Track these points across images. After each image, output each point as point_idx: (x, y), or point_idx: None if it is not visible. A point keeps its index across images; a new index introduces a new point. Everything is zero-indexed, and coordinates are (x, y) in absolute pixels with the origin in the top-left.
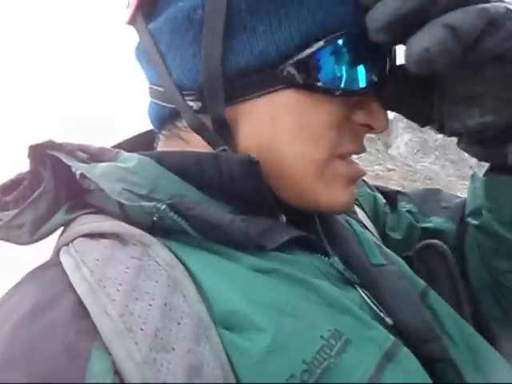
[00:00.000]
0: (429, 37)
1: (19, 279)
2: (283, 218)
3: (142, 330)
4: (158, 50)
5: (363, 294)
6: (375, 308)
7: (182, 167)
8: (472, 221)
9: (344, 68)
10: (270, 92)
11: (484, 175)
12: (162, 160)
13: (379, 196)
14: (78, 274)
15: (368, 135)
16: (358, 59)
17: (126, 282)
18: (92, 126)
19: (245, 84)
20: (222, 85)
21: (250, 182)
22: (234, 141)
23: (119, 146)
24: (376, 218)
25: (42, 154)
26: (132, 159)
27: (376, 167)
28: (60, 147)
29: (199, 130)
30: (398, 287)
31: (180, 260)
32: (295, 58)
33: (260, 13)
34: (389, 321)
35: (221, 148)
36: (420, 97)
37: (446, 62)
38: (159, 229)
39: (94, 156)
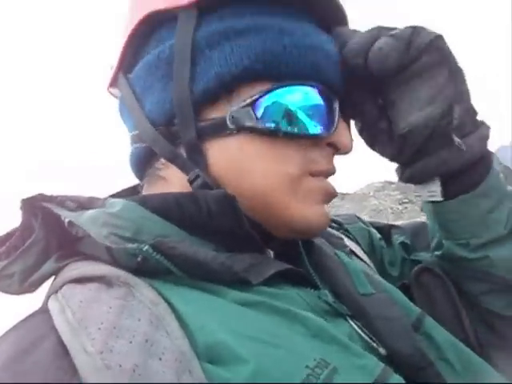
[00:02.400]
0: (380, 41)
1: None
2: (270, 254)
3: (120, 366)
4: (135, 94)
5: (354, 325)
6: (367, 338)
7: (164, 208)
8: (438, 253)
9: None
10: (225, 135)
11: (426, 206)
12: (145, 203)
13: (374, 231)
14: (61, 317)
15: None
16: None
17: (107, 321)
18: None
19: (207, 122)
20: (191, 108)
21: (229, 216)
22: (206, 165)
23: (111, 196)
24: (373, 252)
25: (33, 206)
26: (117, 204)
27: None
28: (50, 198)
29: (172, 158)
30: (388, 315)
31: (164, 298)
32: (243, 103)
33: (216, 47)
34: (382, 351)
35: (195, 172)
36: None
37: (394, 57)
38: (145, 269)
39: (83, 204)
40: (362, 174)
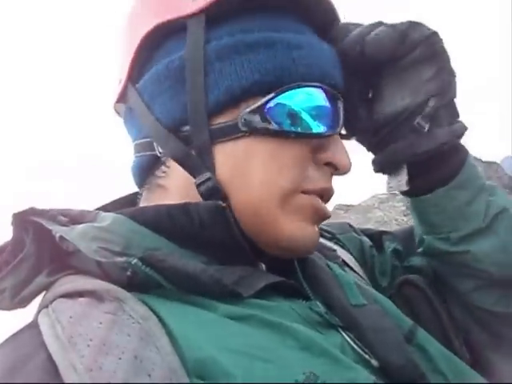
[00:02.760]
0: (378, 29)
1: None
2: (262, 266)
3: None
4: (144, 102)
5: (346, 337)
6: (359, 350)
7: (155, 221)
8: (420, 250)
9: (302, 114)
10: (234, 139)
11: (409, 205)
12: (135, 216)
13: (365, 239)
14: (51, 332)
15: None
16: (313, 109)
17: (96, 337)
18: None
19: (218, 124)
20: (205, 114)
21: (220, 227)
22: (214, 169)
23: (104, 207)
24: (364, 261)
25: (24, 220)
26: (107, 218)
27: None
28: (41, 213)
29: (183, 158)
30: (380, 326)
31: (154, 312)
32: (254, 106)
33: (227, 61)
34: (374, 362)
35: (205, 175)
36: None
37: (388, 44)
38: (136, 284)
39: (74, 219)
40: (367, 185)
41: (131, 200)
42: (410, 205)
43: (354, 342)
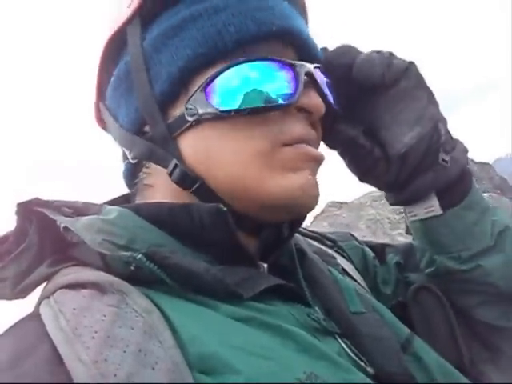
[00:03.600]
0: (366, 53)
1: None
2: (264, 268)
3: (115, 375)
4: (111, 115)
5: (343, 344)
6: (355, 357)
7: (158, 218)
8: (430, 270)
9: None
10: (190, 129)
11: (414, 225)
12: (140, 211)
13: (367, 249)
14: (54, 324)
15: None
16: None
17: (101, 329)
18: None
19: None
20: (157, 108)
21: (221, 229)
22: (181, 159)
23: (106, 203)
24: (366, 270)
25: (28, 210)
26: (113, 212)
27: None
28: (46, 204)
29: (150, 154)
30: (378, 334)
31: (157, 306)
32: (194, 90)
33: (161, 49)
34: (370, 370)
35: (172, 162)
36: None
37: (379, 65)
38: (138, 278)
39: (79, 210)
40: (360, 183)
41: (127, 199)
42: (414, 226)
43: (351, 350)
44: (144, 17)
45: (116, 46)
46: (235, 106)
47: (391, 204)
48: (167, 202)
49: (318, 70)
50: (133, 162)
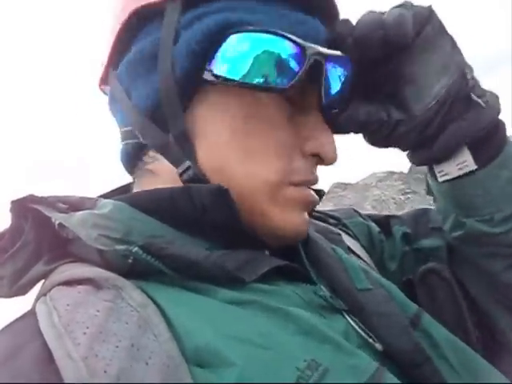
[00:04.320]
0: (393, 11)
1: None
2: (266, 251)
3: (105, 372)
4: (123, 88)
5: (350, 321)
6: (363, 334)
7: (156, 206)
8: (456, 234)
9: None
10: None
11: (440, 187)
12: (135, 202)
13: (372, 225)
14: (47, 320)
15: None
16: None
17: (93, 325)
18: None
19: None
20: (177, 97)
21: (223, 210)
22: (195, 158)
23: (102, 196)
24: (372, 246)
25: (23, 207)
26: (107, 205)
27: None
28: (41, 200)
29: (163, 147)
30: (386, 311)
31: (153, 300)
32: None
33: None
34: (378, 346)
35: (186, 164)
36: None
37: (409, 24)
38: (138, 271)
39: (74, 206)
40: (365, 164)
41: (126, 190)
42: (439, 188)
43: (359, 326)
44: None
45: (145, 18)
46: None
47: (417, 164)
48: (166, 187)
49: (332, 61)
50: (143, 142)
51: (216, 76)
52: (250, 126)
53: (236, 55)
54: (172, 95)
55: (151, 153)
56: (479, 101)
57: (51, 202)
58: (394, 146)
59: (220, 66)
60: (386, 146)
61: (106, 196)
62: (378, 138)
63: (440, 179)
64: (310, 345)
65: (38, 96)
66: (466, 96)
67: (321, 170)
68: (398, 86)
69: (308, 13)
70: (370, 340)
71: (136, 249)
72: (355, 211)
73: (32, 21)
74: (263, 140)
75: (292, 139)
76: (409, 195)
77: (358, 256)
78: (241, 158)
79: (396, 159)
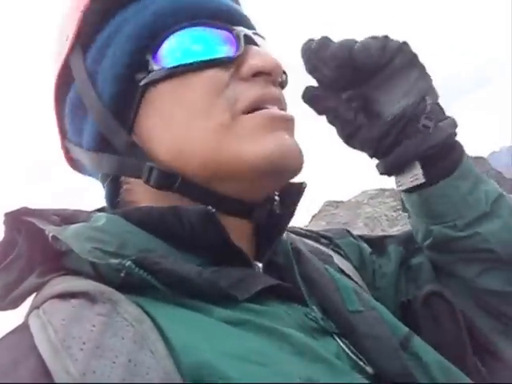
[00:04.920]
0: (362, 40)
1: None
2: (259, 268)
3: None
4: (76, 145)
5: (341, 343)
6: (354, 357)
7: (148, 222)
8: (428, 242)
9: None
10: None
11: (410, 197)
12: (129, 216)
13: (364, 245)
14: (42, 335)
15: None
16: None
17: (90, 340)
18: None
19: (122, 98)
20: (110, 115)
21: (212, 231)
22: (153, 156)
23: (96, 210)
24: (363, 267)
25: (16, 220)
26: (101, 218)
27: None
28: (34, 213)
29: (120, 167)
30: (377, 333)
31: (148, 315)
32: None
33: (101, 59)
34: (369, 369)
35: (147, 167)
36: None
37: (375, 49)
38: (130, 285)
39: (67, 219)
40: (356, 181)
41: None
42: (409, 200)
43: (349, 349)
44: (83, 42)
45: (63, 80)
46: (181, 61)
47: (380, 173)
48: (157, 206)
49: (257, 35)
50: (101, 180)
51: (155, 75)
52: (183, 104)
53: (171, 50)
54: (106, 118)
55: (124, 185)
56: (428, 124)
57: (45, 215)
58: (360, 149)
59: (158, 65)
60: (354, 146)
61: (99, 210)
62: (344, 134)
63: (397, 189)
64: (305, 364)
65: (38, 96)
66: (419, 118)
67: (313, 189)
68: (370, 101)
69: None
70: (361, 363)
71: (129, 263)
72: (347, 231)
73: (32, 21)
74: (197, 104)
75: (223, 82)
76: (401, 212)
77: (349, 277)
78: (185, 123)
79: (387, 176)
